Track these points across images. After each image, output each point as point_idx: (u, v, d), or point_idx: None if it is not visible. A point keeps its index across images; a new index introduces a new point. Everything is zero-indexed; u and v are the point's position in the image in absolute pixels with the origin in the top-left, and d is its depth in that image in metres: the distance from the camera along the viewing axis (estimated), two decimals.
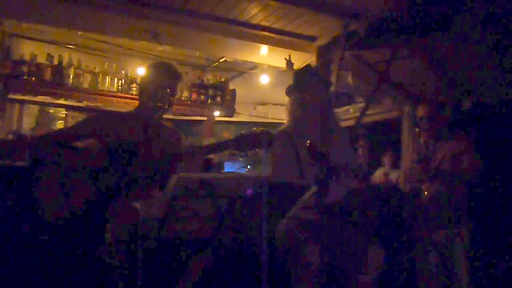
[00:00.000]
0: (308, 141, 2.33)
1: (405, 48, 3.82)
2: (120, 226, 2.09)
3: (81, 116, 5.28)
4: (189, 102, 5.45)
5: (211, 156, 3.28)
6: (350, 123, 4.79)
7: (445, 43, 3.56)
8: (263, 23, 4.11)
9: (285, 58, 4.35)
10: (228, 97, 5.69)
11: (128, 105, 5.00)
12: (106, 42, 5.03)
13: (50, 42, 5.13)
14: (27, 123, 5.39)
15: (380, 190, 3.21)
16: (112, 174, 2.29)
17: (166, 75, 2.52)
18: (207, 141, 4.79)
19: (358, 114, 4.47)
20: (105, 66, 5.13)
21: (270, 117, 6.95)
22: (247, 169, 4.25)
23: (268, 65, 5.22)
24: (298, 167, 2.47)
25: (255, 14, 3.94)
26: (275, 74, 5.44)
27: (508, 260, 3.18)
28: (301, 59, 4.32)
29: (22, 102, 5.27)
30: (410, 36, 3.54)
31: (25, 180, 2.28)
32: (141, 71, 5.08)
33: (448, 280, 2.87)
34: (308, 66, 2.83)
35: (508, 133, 3.63)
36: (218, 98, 5.59)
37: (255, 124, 6.40)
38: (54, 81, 4.77)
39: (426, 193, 3.01)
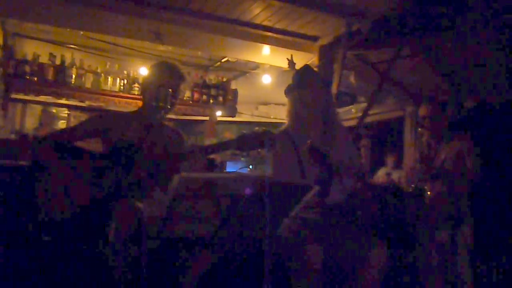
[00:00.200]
0: (309, 141, 2.33)
1: (407, 48, 3.82)
2: (122, 225, 2.09)
3: (83, 116, 5.29)
4: (191, 102, 5.45)
5: (213, 156, 3.27)
6: (353, 123, 4.78)
7: (448, 42, 3.56)
8: (265, 23, 4.11)
9: (287, 58, 4.35)
10: (230, 97, 5.68)
11: (130, 105, 5.00)
12: (108, 42, 5.04)
13: (52, 42, 5.14)
14: (30, 122, 5.41)
15: (382, 190, 3.20)
16: (114, 174, 2.29)
17: (168, 75, 2.52)
18: (209, 141, 4.79)
19: (360, 114, 4.48)
20: (107, 66, 5.13)
21: (272, 117, 6.95)
22: (249, 169, 4.25)
23: (270, 65, 5.22)
24: (299, 167, 2.47)
25: (257, 14, 3.94)
26: (277, 74, 5.44)
27: (511, 260, 3.17)
28: (303, 59, 4.32)
29: (24, 101, 5.29)
30: (412, 36, 3.53)
31: (27, 179, 2.29)
32: (143, 71, 5.08)
33: (450, 280, 2.87)
34: (307, 66, 2.83)
35: (511, 133, 3.63)
36: (220, 98, 5.59)
37: (257, 124, 6.41)
38: (57, 81, 4.77)
39: (428, 193, 3.00)
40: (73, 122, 5.41)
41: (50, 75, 4.75)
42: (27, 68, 4.66)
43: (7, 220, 2.49)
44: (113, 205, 2.18)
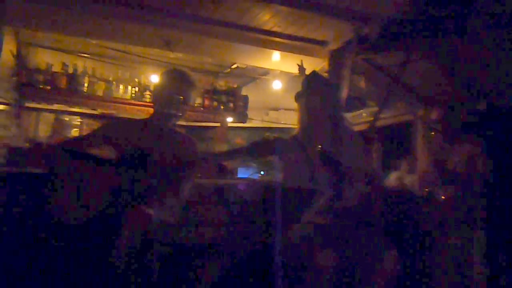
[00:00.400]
0: (319, 146, 2.33)
1: (418, 51, 3.80)
2: (134, 232, 2.11)
3: (95, 124, 5.34)
4: (201, 109, 5.46)
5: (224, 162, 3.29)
6: (363, 127, 4.77)
7: (459, 44, 3.54)
8: (275, 29, 4.13)
9: (297, 64, 4.35)
10: (240, 103, 5.70)
11: (141, 112, 5.03)
12: (120, 50, 5.09)
13: (64, 51, 5.20)
14: (43, 131, 5.46)
15: (394, 194, 3.18)
16: (126, 181, 2.31)
17: (179, 82, 2.54)
18: (220, 147, 4.81)
19: (370, 118, 4.47)
20: (119, 74, 5.18)
21: (282, 122, 6.94)
22: (260, 175, 4.25)
23: (280, 71, 5.23)
24: (310, 172, 2.47)
25: (266, 20, 3.96)
26: (288, 79, 5.45)
27: None
28: (313, 64, 4.31)
29: (38, 110, 5.35)
30: (422, 39, 3.52)
31: (41, 187, 2.32)
32: (154, 78, 5.12)
33: (464, 284, 2.84)
34: (315, 72, 2.84)
35: None
36: (231, 104, 5.60)
37: (267, 129, 6.41)
38: (69, 89, 4.82)
39: (441, 196, 2.98)
40: (86, 130, 5.46)
41: (62, 83, 4.81)
42: (40, 77, 4.72)
43: (21, 226, 2.52)
44: (125, 211, 2.20)
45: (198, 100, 5.44)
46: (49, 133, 5.43)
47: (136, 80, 5.20)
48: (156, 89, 2.73)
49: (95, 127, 5.24)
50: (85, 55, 5.31)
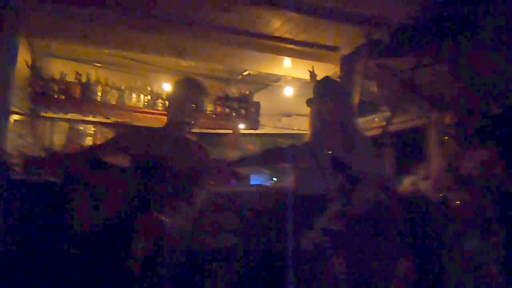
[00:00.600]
0: (330, 151, 2.33)
1: (430, 55, 3.78)
2: (148, 239, 2.12)
3: (109, 132, 5.39)
4: (213, 116, 5.48)
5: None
6: (376, 132, 4.74)
7: (471, 48, 3.51)
8: (286, 35, 4.14)
9: (308, 70, 4.36)
10: (252, 110, 5.70)
11: (154, 120, 5.06)
12: (132, 59, 5.14)
13: (78, 60, 5.27)
14: (58, 139, 5.52)
15: (408, 200, 3.16)
16: (140, 189, 2.33)
17: (192, 91, 2.56)
18: (232, 154, 4.82)
19: (383, 123, 4.44)
20: (131, 83, 5.23)
21: (295, 128, 6.93)
22: (273, 182, 4.25)
23: (292, 77, 5.23)
24: (322, 178, 2.46)
25: (278, 27, 3.97)
26: (300, 85, 5.44)
27: None
28: (324, 70, 4.31)
29: (52, 119, 5.41)
30: (435, 42, 3.50)
31: (57, 195, 2.34)
32: (166, 86, 5.16)
33: None
34: (326, 78, 2.84)
35: None
36: (243, 111, 5.61)
37: (280, 136, 6.40)
38: (83, 98, 4.89)
39: (456, 201, 2.95)
40: (99, 138, 5.51)
41: (76, 93, 4.87)
42: (55, 87, 4.78)
43: (38, 234, 2.55)
44: (140, 219, 2.21)
45: (210, 107, 5.46)
46: (63, 142, 5.48)
47: (149, 88, 5.24)
48: (169, 98, 2.76)
49: (109, 135, 5.31)
50: (98, 64, 5.37)
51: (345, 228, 2.37)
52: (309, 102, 2.67)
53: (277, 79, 5.80)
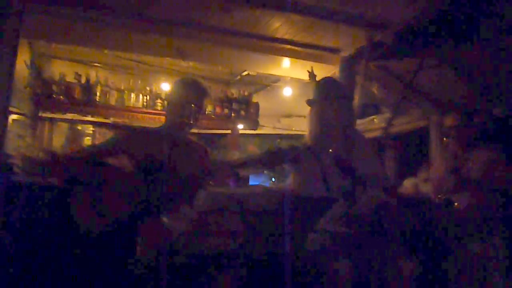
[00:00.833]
0: (330, 150, 2.31)
1: (432, 57, 3.77)
2: (149, 241, 2.11)
3: (108, 133, 5.38)
4: (213, 116, 5.49)
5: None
6: (376, 133, 4.74)
7: (474, 50, 3.50)
8: (286, 36, 4.12)
9: (307, 70, 4.34)
10: (252, 110, 5.71)
11: (153, 120, 5.07)
12: (131, 60, 5.14)
13: (77, 61, 5.27)
14: (58, 140, 5.51)
15: (410, 201, 3.15)
16: (140, 190, 2.32)
17: (192, 91, 2.54)
18: (232, 155, 4.81)
19: (384, 124, 4.44)
20: (131, 83, 5.23)
21: (294, 129, 6.92)
22: (271, 182, 4.23)
23: (291, 78, 5.22)
24: (323, 179, 2.45)
25: (277, 27, 3.96)
26: (299, 86, 5.44)
27: None
28: (324, 71, 4.30)
29: (52, 120, 5.40)
30: (437, 45, 3.49)
31: (57, 197, 2.33)
32: (165, 87, 5.16)
33: None
34: (329, 78, 2.82)
35: None
36: (242, 112, 5.62)
37: (279, 136, 6.39)
38: (82, 99, 4.88)
39: (457, 204, 2.94)
40: (99, 138, 5.50)
41: (76, 93, 4.87)
42: (55, 88, 4.78)
43: (40, 236, 2.54)
44: (140, 221, 2.20)
45: (210, 108, 5.46)
46: (63, 142, 5.47)
47: (148, 88, 5.24)
48: (169, 98, 2.75)
49: (108, 136, 5.30)
50: (97, 64, 5.37)
51: (347, 230, 2.36)
52: (310, 102, 2.65)
53: (277, 79, 5.80)
